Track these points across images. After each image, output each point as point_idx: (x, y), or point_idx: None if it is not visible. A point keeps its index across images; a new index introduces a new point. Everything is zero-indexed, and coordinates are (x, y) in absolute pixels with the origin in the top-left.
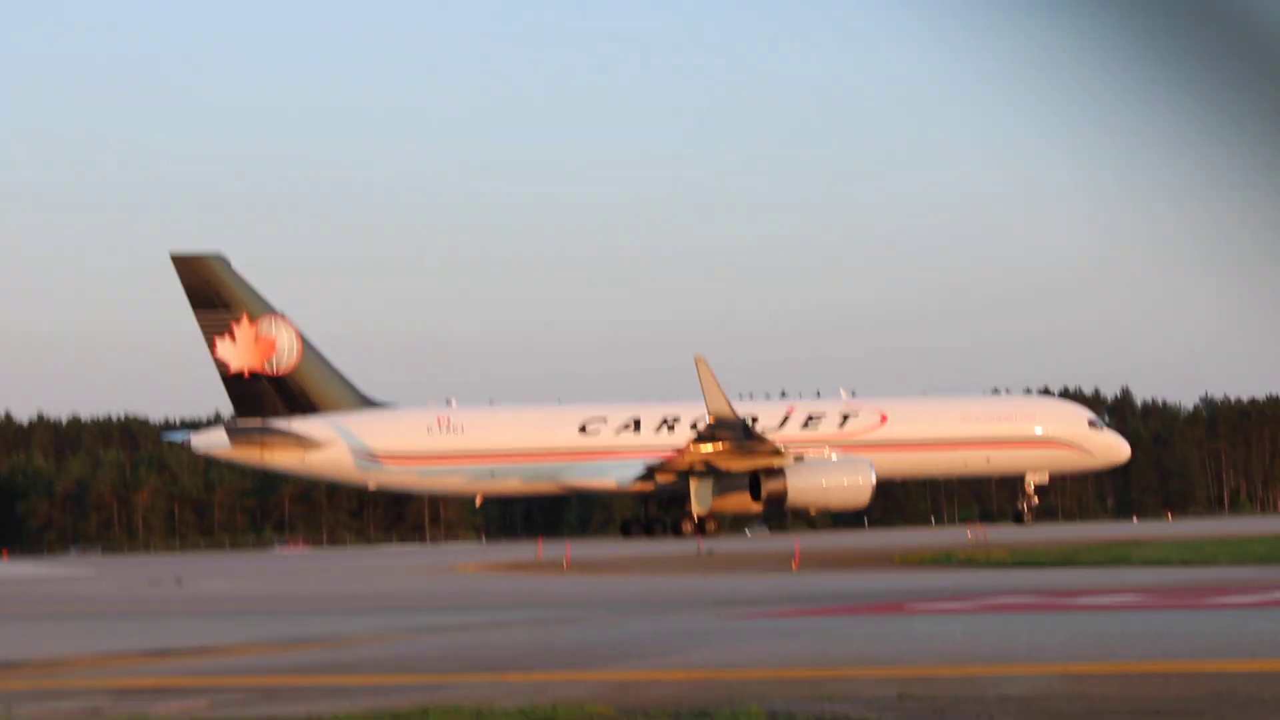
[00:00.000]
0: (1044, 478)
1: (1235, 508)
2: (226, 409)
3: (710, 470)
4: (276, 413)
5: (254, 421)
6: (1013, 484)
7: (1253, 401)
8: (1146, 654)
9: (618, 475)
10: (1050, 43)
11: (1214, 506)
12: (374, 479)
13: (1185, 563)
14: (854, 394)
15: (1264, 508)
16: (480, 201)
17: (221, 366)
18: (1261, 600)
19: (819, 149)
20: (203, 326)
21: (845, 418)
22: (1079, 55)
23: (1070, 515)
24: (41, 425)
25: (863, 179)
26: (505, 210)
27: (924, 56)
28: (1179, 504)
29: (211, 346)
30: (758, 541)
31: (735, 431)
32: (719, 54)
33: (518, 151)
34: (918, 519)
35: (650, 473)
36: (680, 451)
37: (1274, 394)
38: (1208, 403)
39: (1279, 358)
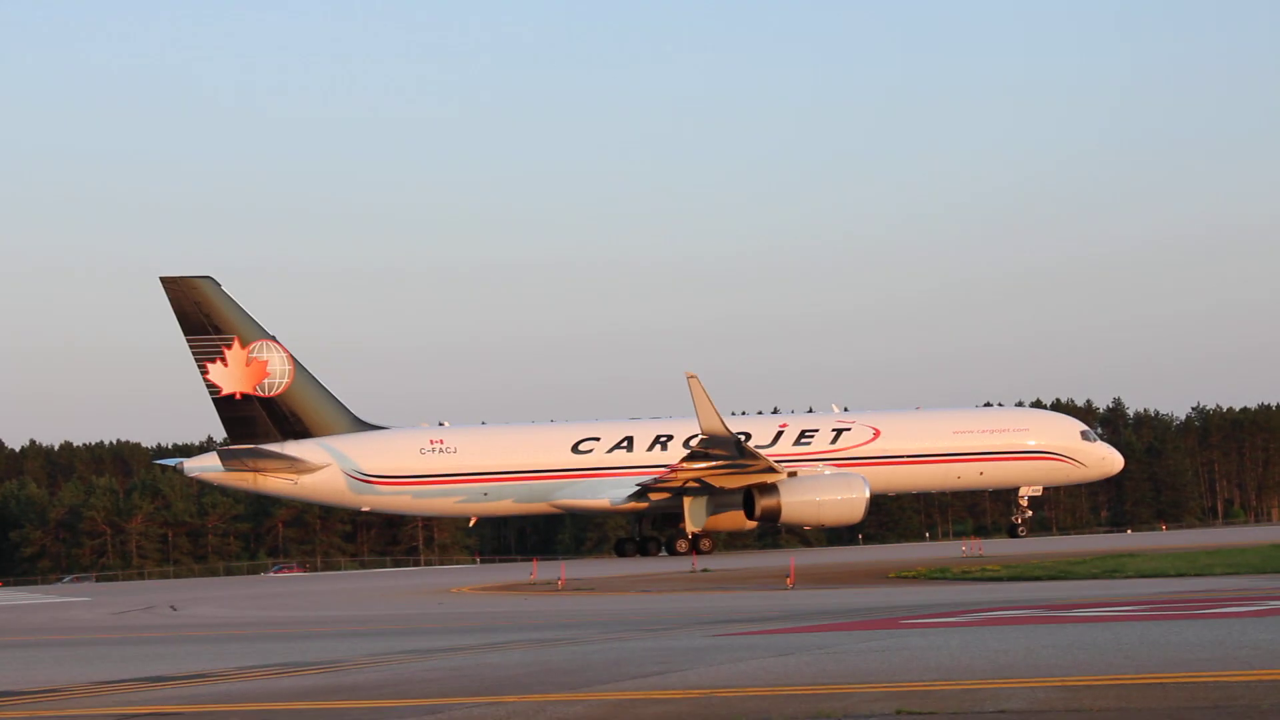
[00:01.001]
0: (1037, 490)
1: (1229, 517)
2: (219, 433)
3: (704, 488)
4: (269, 436)
5: (246, 445)
6: (1006, 497)
7: (1245, 411)
8: (1143, 665)
9: (611, 494)
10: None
11: (1207, 516)
12: (367, 501)
13: (1180, 573)
14: (846, 409)
15: (1258, 517)
16: (471, 221)
17: (213, 390)
18: (1257, 610)
19: (805, 159)
20: (194, 350)
21: (838, 433)
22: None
23: (1064, 527)
24: (34, 451)
25: (854, 186)
26: (495, 230)
27: (917, 59)
28: (1172, 514)
29: (203, 370)
30: (751, 559)
31: (728, 449)
32: (710, 59)
33: (512, 167)
34: (912, 533)
35: (644, 491)
36: (673, 469)
37: (1266, 403)
38: (1200, 413)
39: (1270, 367)
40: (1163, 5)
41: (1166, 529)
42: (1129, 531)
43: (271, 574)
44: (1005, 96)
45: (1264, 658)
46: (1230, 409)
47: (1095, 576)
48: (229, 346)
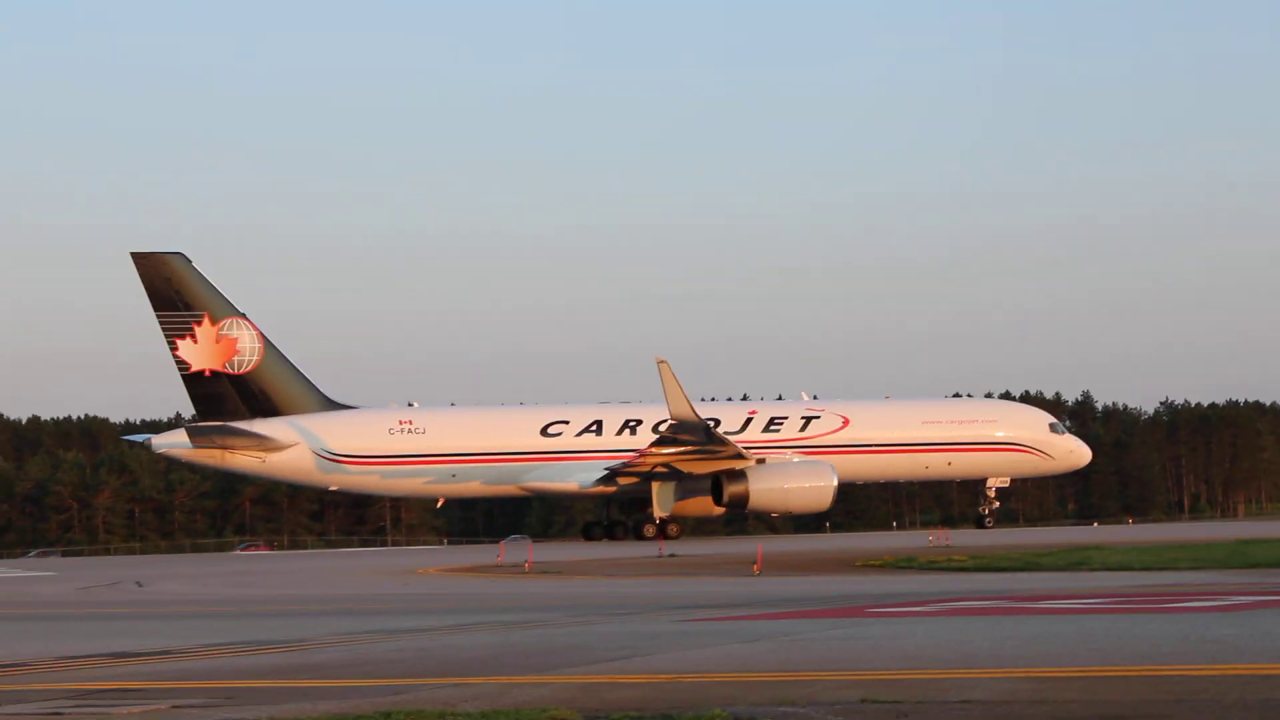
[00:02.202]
0: (1005, 481)
1: (1195, 511)
2: (187, 410)
3: (672, 473)
4: (238, 414)
5: (215, 423)
6: (974, 487)
7: (1213, 406)
8: (1109, 658)
9: (579, 477)
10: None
11: (1174, 511)
12: (335, 481)
13: (1146, 567)
14: (815, 397)
15: (1224, 512)
16: (445, 205)
17: (182, 367)
18: (1222, 605)
19: (787, 147)
20: (163, 326)
21: (807, 421)
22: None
23: (1031, 519)
24: (1, 425)
25: (827, 177)
26: (466, 213)
27: (907, 55)
28: (1139, 508)
29: (172, 346)
30: (718, 545)
31: (697, 434)
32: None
33: (480, 152)
34: (879, 523)
35: (612, 475)
36: (642, 454)
37: (1234, 399)
38: (1168, 407)
39: (1241, 362)
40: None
41: (1133, 522)
42: (1095, 524)
43: (238, 552)
44: (984, 89)
45: (1228, 652)
46: (1198, 404)
47: (1061, 569)
48: (199, 323)
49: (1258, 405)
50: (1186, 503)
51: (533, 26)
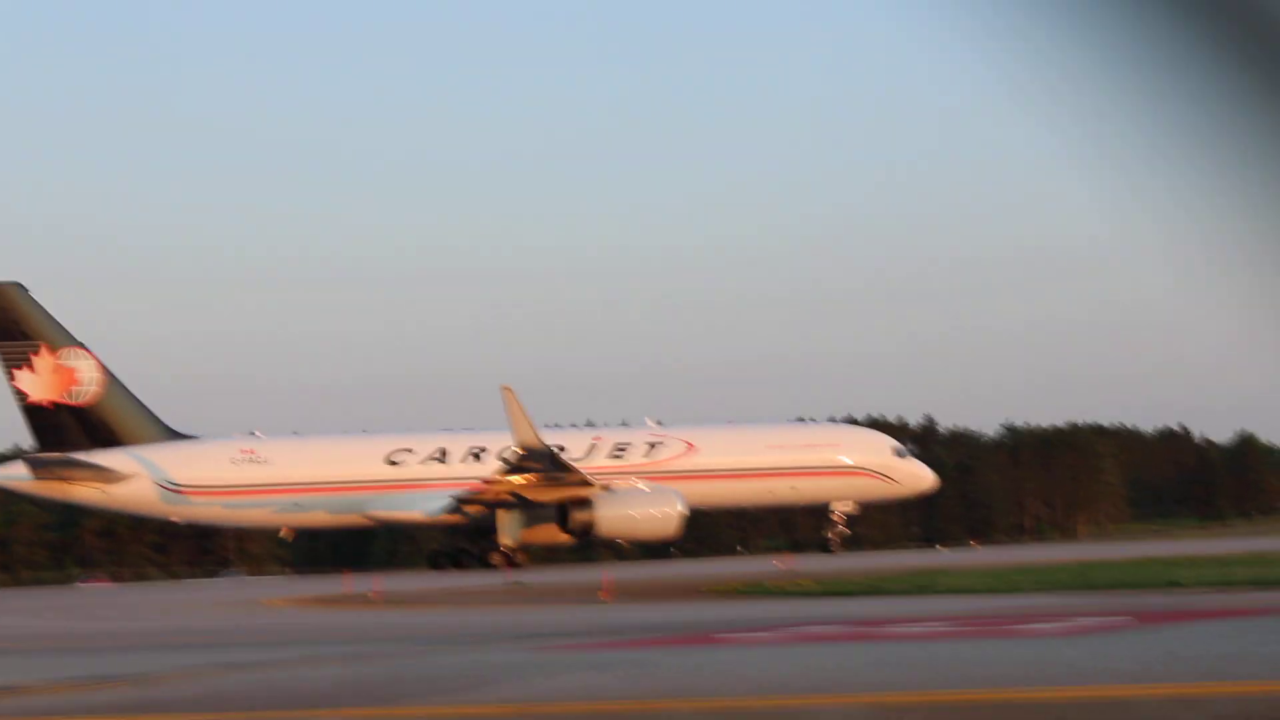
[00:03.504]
0: (850, 506)
1: (1039, 534)
2: (27, 441)
3: (519, 501)
4: (79, 445)
5: (55, 454)
6: (820, 512)
7: (1054, 428)
8: (954, 683)
9: (425, 506)
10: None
11: (1018, 533)
12: (178, 512)
13: (991, 590)
14: (660, 423)
15: (1066, 534)
16: (279, 224)
17: (21, 397)
18: (1067, 628)
19: (636, 175)
20: (1, 356)
21: (652, 446)
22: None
23: (876, 544)
24: None
25: (673, 209)
26: (312, 235)
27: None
28: (983, 531)
29: (10, 376)
30: (566, 573)
31: (543, 462)
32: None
33: (322, 169)
34: (726, 548)
35: (458, 504)
36: (488, 482)
37: (1075, 421)
38: (1011, 430)
39: (1081, 385)
40: None
41: (977, 546)
42: (939, 548)
43: (79, 585)
44: (807, 110)
45: (1075, 675)
46: (1039, 426)
47: (908, 593)
48: (36, 353)
49: (1098, 428)
50: (1030, 525)
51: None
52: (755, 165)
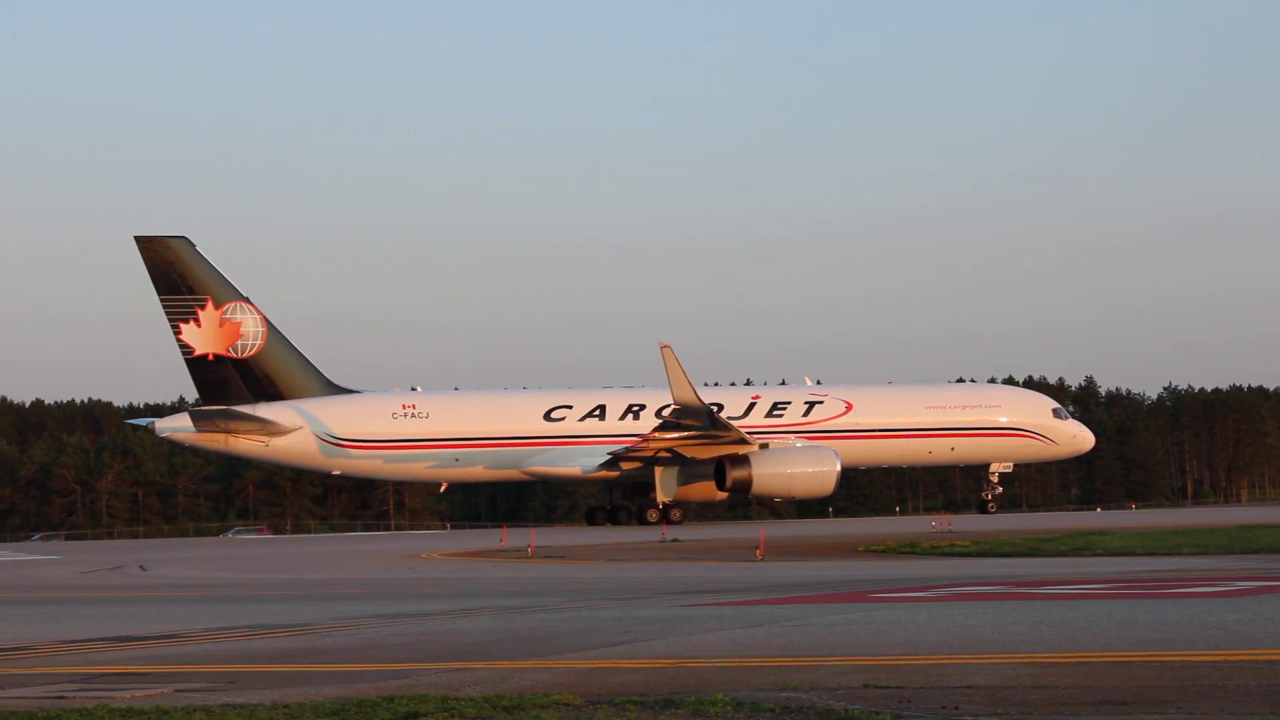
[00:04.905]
0: (1008, 466)
1: (1199, 497)
2: (191, 394)
3: (675, 458)
4: (241, 398)
5: (218, 406)
6: (977, 473)
7: (1216, 391)
8: (1110, 644)
9: (582, 462)
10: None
11: (1177, 496)
12: (339, 465)
13: (1149, 553)
14: (819, 382)
15: (1227, 498)
16: (448, 190)
17: (186, 350)
18: (1224, 591)
19: (789, 138)
20: (167, 310)
21: (810, 406)
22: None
23: (1034, 504)
24: (4, 408)
25: (827, 166)
26: (472, 198)
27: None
28: (1142, 494)
29: (176, 330)
30: (721, 530)
31: (700, 419)
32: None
33: (485, 140)
34: (882, 508)
35: (615, 460)
36: (645, 439)
37: (1237, 384)
38: (1172, 392)
39: (1244, 348)
40: None
41: (1136, 508)
42: (1099, 510)
43: (232, 536)
44: (998, 79)
45: (1230, 638)
46: (1201, 389)
47: (1064, 554)
48: (202, 307)
49: (1261, 391)
50: (1190, 488)
51: (521, 32)
52: (923, 140)
